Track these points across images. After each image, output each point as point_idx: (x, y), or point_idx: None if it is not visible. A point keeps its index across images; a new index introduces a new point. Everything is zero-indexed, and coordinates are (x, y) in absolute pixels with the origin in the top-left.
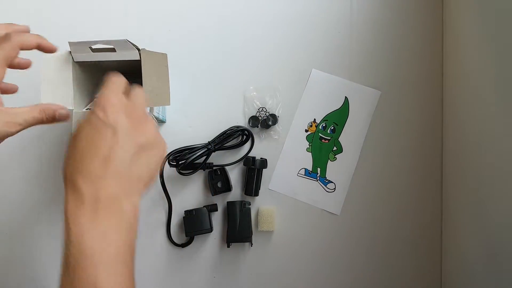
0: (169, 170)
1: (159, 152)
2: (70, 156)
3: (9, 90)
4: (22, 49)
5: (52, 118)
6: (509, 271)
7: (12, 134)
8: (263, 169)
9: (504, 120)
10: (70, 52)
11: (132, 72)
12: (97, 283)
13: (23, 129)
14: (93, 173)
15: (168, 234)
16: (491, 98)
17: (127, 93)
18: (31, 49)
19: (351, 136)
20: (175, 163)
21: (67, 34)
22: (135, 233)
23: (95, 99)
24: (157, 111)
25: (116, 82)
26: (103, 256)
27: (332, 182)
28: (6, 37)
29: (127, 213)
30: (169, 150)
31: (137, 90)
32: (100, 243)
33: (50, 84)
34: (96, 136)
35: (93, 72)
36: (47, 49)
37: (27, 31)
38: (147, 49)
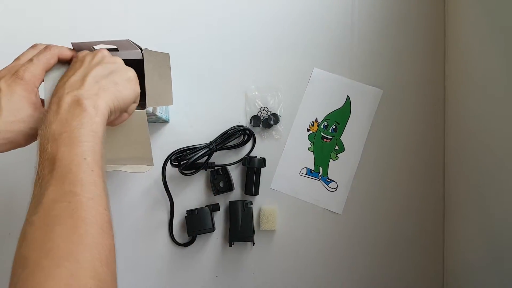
0: (171, 170)
1: (125, 71)
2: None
3: None
4: (59, 58)
5: None
6: (511, 270)
7: None
8: (264, 168)
9: (506, 118)
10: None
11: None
12: (56, 155)
13: None
14: (59, 86)
15: (170, 233)
16: (494, 97)
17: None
18: (67, 59)
19: (353, 135)
20: (177, 163)
21: (69, 35)
22: (99, 123)
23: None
24: (160, 111)
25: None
26: (62, 135)
27: (334, 181)
28: (47, 47)
29: (87, 108)
30: (171, 150)
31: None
32: (60, 127)
33: (53, 86)
34: (69, 69)
35: None
36: None
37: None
38: (149, 49)
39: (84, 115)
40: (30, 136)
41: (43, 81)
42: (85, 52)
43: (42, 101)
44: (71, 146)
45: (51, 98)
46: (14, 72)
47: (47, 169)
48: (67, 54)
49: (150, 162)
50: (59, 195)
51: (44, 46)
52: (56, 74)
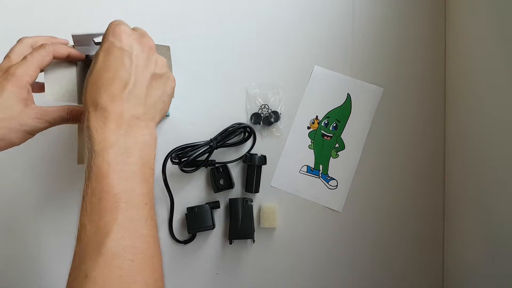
0: (171, 168)
1: (170, 83)
2: (91, 82)
3: (42, 89)
4: (54, 56)
5: (77, 119)
6: (511, 269)
7: (41, 129)
8: (264, 166)
9: (507, 117)
10: (74, 45)
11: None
12: (121, 193)
13: (51, 126)
14: (116, 95)
15: (170, 231)
16: (494, 95)
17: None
18: (62, 58)
19: (353, 133)
20: (177, 161)
21: (69, 30)
22: (154, 154)
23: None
24: None
25: (121, 20)
26: (127, 168)
27: (334, 179)
28: (42, 46)
29: (146, 134)
30: (171, 147)
31: (141, 28)
32: (122, 157)
33: (53, 78)
34: (115, 62)
35: None
36: (76, 58)
37: (64, 43)
38: None
39: (147, 145)
40: (22, 133)
41: (35, 79)
42: (129, 35)
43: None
44: (134, 184)
45: (98, 97)
46: (5, 69)
47: (108, 205)
48: (63, 52)
49: None
50: (121, 248)
51: (31, 39)
52: (57, 73)
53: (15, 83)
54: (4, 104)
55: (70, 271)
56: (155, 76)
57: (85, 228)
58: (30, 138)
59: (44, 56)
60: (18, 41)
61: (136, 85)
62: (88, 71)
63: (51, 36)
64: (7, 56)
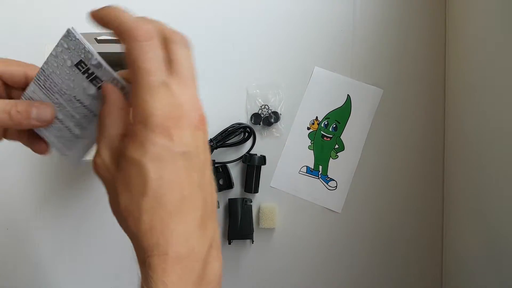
0: None
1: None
2: (146, 209)
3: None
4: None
5: (21, 123)
6: (509, 269)
7: None
8: (264, 166)
9: (505, 118)
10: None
11: None
12: None
13: None
14: (192, 231)
15: None
16: (494, 96)
17: (169, 63)
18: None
19: (353, 134)
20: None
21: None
22: None
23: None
24: None
25: (153, 60)
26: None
27: (333, 180)
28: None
29: (219, 267)
30: None
31: (183, 61)
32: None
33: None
34: (178, 177)
35: None
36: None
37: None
38: None
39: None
40: None
41: None
42: (185, 122)
43: None
44: None
45: (163, 238)
46: None
47: None
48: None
49: None
50: None
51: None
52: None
53: None
54: None
55: None
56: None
57: None
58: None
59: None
60: None
61: (211, 204)
62: (123, 180)
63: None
64: None
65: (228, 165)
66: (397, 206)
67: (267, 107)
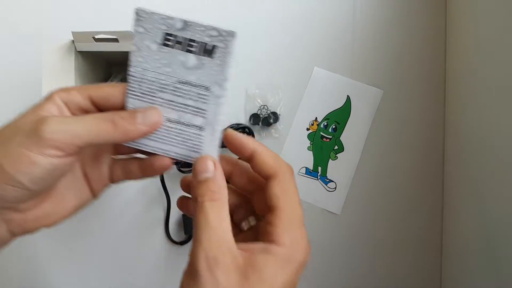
0: None
1: None
2: None
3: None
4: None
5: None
6: (508, 269)
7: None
8: None
9: (506, 119)
10: (73, 41)
11: None
12: None
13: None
14: None
15: (166, 231)
16: (494, 98)
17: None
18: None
19: (352, 135)
20: (175, 161)
21: (68, 27)
22: None
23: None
24: None
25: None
26: None
27: (333, 181)
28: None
29: None
30: None
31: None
32: None
33: (52, 74)
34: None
35: (95, 62)
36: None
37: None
38: None
39: None
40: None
41: None
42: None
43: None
44: None
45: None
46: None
47: None
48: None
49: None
50: None
51: (64, 94)
52: None
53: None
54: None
55: None
56: None
57: None
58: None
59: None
60: (48, 98)
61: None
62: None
63: (86, 91)
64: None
65: None
66: (396, 208)
67: (266, 108)
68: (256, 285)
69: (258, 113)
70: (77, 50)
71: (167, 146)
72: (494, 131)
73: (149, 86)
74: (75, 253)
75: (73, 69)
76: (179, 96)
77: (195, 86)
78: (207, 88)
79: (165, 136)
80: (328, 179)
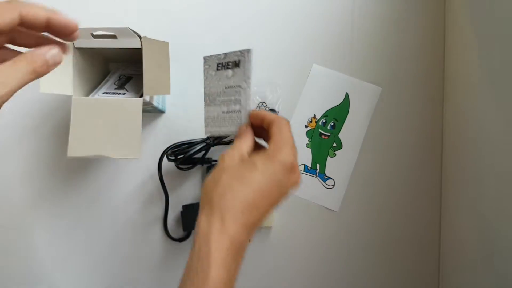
0: (167, 165)
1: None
2: (232, 188)
3: None
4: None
5: (44, 70)
6: (507, 269)
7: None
8: None
9: (504, 117)
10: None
11: (133, 60)
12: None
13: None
14: (248, 223)
15: (165, 228)
16: (492, 95)
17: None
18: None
19: (351, 132)
20: (173, 158)
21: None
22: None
23: (272, 132)
24: (157, 100)
25: (290, 132)
26: (220, 284)
27: (331, 178)
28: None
29: (243, 257)
30: (167, 144)
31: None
32: (223, 277)
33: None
34: (272, 199)
35: (93, 59)
36: (62, 29)
37: (73, 26)
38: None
39: (246, 246)
40: None
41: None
42: (288, 167)
43: None
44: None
45: (233, 216)
46: None
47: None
48: (39, 17)
49: (137, 154)
50: None
51: (25, 8)
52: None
53: None
54: None
55: None
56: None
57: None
58: None
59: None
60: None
61: (262, 219)
62: (229, 159)
63: (52, 11)
64: None
65: None
66: (394, 205)
67: (264, 105)
68: (248, 165)
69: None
70: (75, 46)
71: (226, 128)
72: (493, 129)
73: (214, 96)
74: (73, 250)
75: (71, 65)
76: (226, 95)
77: (233, 87)
78: (239, 86)
79: (223, 122)
80: (326, 176)
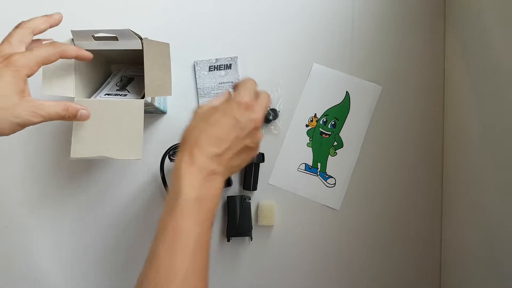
0: (169, 165)
1: (254, 153)
2: (199, 127)
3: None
4: (62, 57)
5: (73, 116)
6: (508, 266)
7: (33, 123)
8: (262, 164)
9: (505, 114)
10: (73, 40)
11: (134, 61)
12: (190, 233)
13: (45, 121)
14: (211, 153)
15: None
16: (493, 93)
17: (256, 95)
18: (70, 58)
19: (351, 131)
20: (175, 158)
21: (67, 25)
22: (217, 206)
23: (236, 88)
24: (158, 101)
25: (251, 83)
26: (199, 214)
27: (332, 177)
28: (53, 44)
29: (218, 188)
30: (169, 144)
31: (264, 95)
32: (200, 203)
33: (51, 72)
34: (227, 129)
35: (95, 61)
36: (85, 59)
37: (58, 19)
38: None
39: (217, 197)
40: (14, 125)
41: (34, 73)
42: (243, 104)
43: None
44: (204, 228)
45: (199, 149)
46: (6, 56)
47: (181, 245)
48: (71, 54)
49: (138, 155)
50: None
51: (31, 23)
52: (54, 66)
53: (15, 73)
54: (1, 93)
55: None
56: (246, 148)
57: (160, 260)
58: (20, 130)
59: (51, 55)
60: (17, 26)
61: (229, 151)
62: (200, 109)
63: (47, 16)
64: (7, 40)
65: None
66: (396, 203)
67: None
68: (212, 110)
69: None
70: None
71: None
72: (493, 126)
73: (207, 89)
74: (76, 250)
75: (73, 67)
76: (221, 88)
77: (226, 82)
78: (232, 82)
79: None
80: (327, 175)
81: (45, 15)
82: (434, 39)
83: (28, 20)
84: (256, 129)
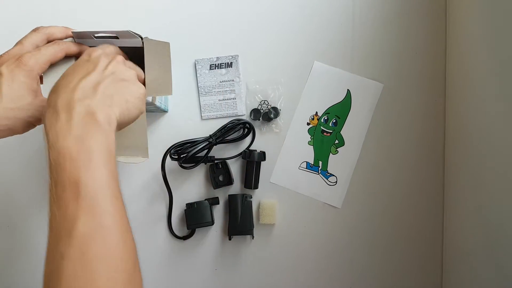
0: (170, 164)
1: (137, 88)
2: (53, 86)
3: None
4: (66, 54)
5: None
6: (509, 265)
7: None
8: (264, 162)
9: (507, 113)
10: (74, 40)
11: (135, 60)
12: (79, 180)
13: None
14: (67, 87)
15: (169, 227)
16: (494, 92)
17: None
18: (73, 55)
19: (353, 129)
20: (176, 157)
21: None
22: (111, 138)
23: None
24: (159, 100)
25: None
26: (81, 155)
27: (333, 175)
28: (56, 42)
29: (101, 119)
30: (170, 142)
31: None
32: (76, 145)
33: (52, 72)
34: (79, 67)
35: None
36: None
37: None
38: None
39: (100, 132)
40: (28, 124)
41: (44, 72)
42: (99, 51)
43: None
44: (94, 172)
45: (54, 96)
46: (18, 57)
47: (71, 194)
48: (74, 50)
49: (145, 154)
50: (92, 229)
51: (47, 29)
52: (59, 69)
53: (27, 73)
54: (16, 94)
55: (47, 253)
56: (117, 79)
57: (55, 216)
58: (32, 128)
59: (58, 52)
60: (34, 30)
61: (91, 78)
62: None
63: (66, 27)
64: (20, 43)
65: (228, 161)
66: (397, 201)
67: (266, 103)
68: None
69: (259, 108)
70: None
71: (222, 112)
72: (495, 125)
73: (208, 88)
74: None
75: None
76: (222, 87)
77: (227, 80)
78: (232, 80)
79: (220, 108)
80: (329, 173)
81: (65, 26)
82: (436, 36)
83: (46, 27)
84: (118, 62)
